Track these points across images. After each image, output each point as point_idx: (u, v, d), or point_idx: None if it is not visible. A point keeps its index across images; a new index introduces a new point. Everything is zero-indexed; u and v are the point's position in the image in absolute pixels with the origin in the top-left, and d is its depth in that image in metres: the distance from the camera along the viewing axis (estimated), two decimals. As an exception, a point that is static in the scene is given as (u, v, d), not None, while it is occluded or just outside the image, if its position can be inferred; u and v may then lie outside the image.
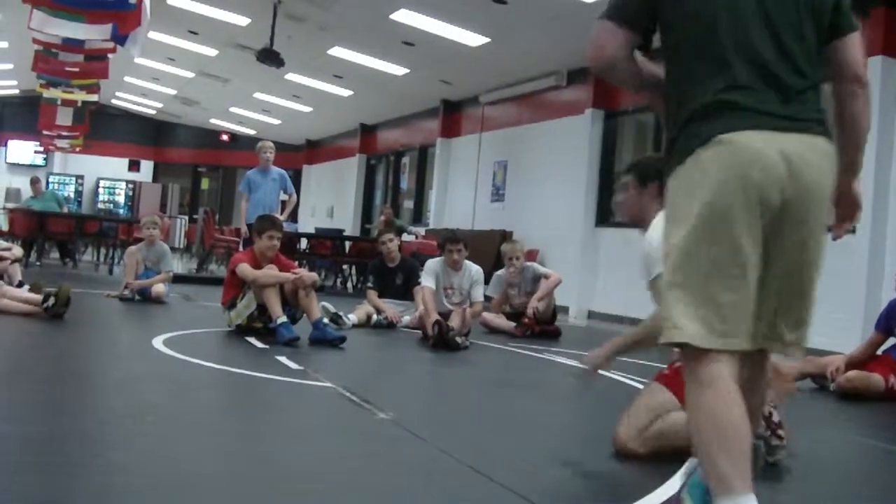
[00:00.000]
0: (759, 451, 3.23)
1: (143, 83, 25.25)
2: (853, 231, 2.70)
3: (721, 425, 2.32)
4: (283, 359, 6.00)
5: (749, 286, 2.39)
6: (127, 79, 24.57)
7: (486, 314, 9.28)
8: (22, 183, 24.83)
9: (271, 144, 11.88)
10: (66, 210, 17.34)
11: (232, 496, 2.89)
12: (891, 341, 6.63)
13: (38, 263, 14.19)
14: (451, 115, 19.66)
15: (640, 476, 3.31)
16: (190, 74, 22.55)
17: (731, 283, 2.36)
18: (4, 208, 20.01)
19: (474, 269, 8.63)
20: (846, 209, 2.81)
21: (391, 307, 9.03)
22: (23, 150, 28.99)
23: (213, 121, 29.04)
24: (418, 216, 21.35)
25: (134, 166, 31.10)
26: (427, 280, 8.40)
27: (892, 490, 3.90)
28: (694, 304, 2.37)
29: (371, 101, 21.25)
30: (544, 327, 9.30)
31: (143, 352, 6.05)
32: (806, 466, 4.15)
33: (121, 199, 30.38)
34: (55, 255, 16.38)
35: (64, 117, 21.00)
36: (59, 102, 20.06)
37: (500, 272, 9.73)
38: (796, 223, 2.43)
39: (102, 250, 16.65)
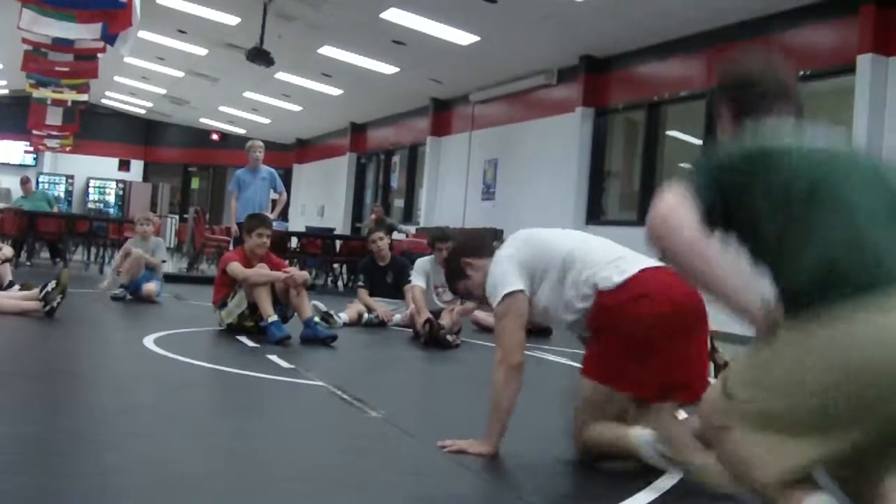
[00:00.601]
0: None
1: (133, 82, 25.19)
2: None
3: None
4: (274, 357, 6.00)
5: None
6: (116, 78, 24.50)
7: (477, 312, 9.28)
8: (12, 183, 24.73)
9: (261, 143, 11.87)
10: (56, 210, 17.28)
11: (223, 494, 2.89)
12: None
13: (28, 263, 14.14)
14: (442, 114, 19.66)
15: (633, 473, 3.31)
16: (180, 74, 22.51)
17: None
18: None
19: (465, 268, 8.61)
20: None
21: (382, 305, 9.03)
22: (12, 150, 28.91)
23: (202, 120, 28.99)
24: (409, 215, 21.34)
25: (124, 166, 31.02)
26: (417, 279, 8.40)
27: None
28: None
29: (361, 99, 21.23)
30: (535, 325, 9.29)
31: (135, 351, 6.05)
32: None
33: (111, 198, 30.30)
34: (45, 255, 16.32)
35: (54, 117, 20.95)
36: (48, 102, 20.01)
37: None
38: None
39: (93, 250, 16.60)
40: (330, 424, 4.24)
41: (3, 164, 28.75)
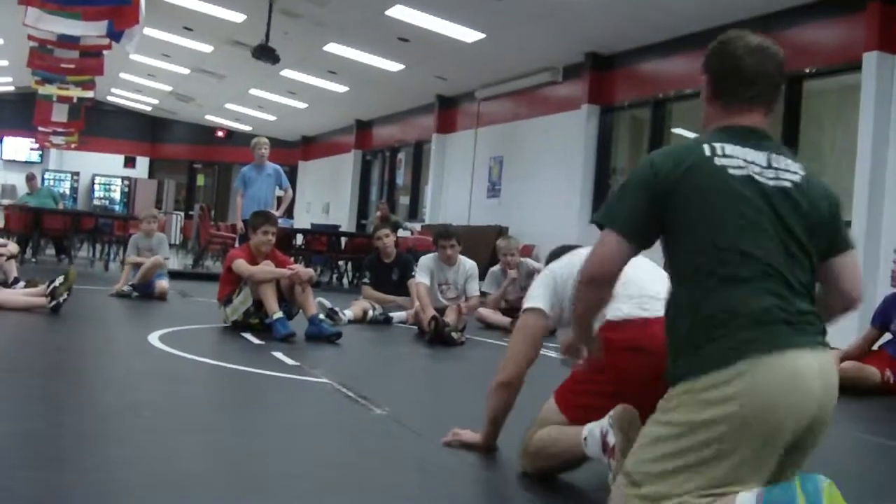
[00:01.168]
0: None
1: (139, 79, 25.20)
2: None
3: None
4: (279, 355, 6.00)
5: None
6: (122, 75, 24.51)
7: (482, 309, 9.28)
8: (17, 179, 24.77)
9: (266, 140, 11.88)
10: (61, 206, 17.31)
11: (228, 491, 2.90)
12: (886, 336, 6.65)
13: (33, 260, 14.16)
14: (447, 111, 19.65)
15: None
16: (185, 71, 22.51)
17: None
18: (0, 205, 19.96)
19: (469, 264, 8.62)
20: None
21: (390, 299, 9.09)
22: (18, 147, 28.94)
23: (208, 117, 29.00)
24: (414, 212, 21.34)
25: (129, 163, 31.04)
26: (422, 276, 8.40)
27: (889, 485, 3.91)
28: None
29: (366, 97, 21.22)
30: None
31: (140, 348, 6.05)
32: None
33: (116, 195, 30.32)
34: (51, 251, 16.34)
35: (59, 114, 20.96)
36: (54, 99, 20.01)
37: (494, 268, 9.73)
38: None
39: (98, 247, 16.62)
40: (334, 422, 4.24)
41: (9, 160, 28.79)
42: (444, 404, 5.15)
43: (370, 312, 8.86)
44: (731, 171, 2.50)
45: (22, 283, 8.15)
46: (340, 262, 15.92)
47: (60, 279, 7.36)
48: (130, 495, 2.77)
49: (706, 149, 2.56)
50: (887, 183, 9.61)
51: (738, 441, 2.34)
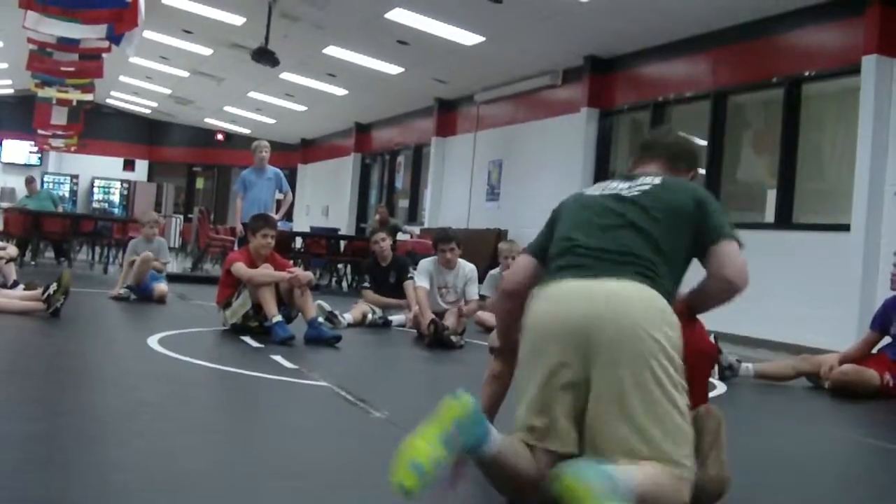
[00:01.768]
0: None
1: (138, 82, 25.20)
2: None
3: None
4: (278, 358, 6.00)
5: None
6: (121, 78, 24.52)
7: (481, 313, 9.28)
8: (17, 182, 24.77)
9: (266, 144, 11.88)
10: (61, 209, 17.30)
11: (227, 494, 2.89)
12: (886, 340, 6.64)
13: (33, 263, 14.16)
14: (446, 114, 19.65)
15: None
16: (184, 73, 22.51)
17: None
18: (-1, 208, 19.97)
19: (468, 268, 8.63)
20: None
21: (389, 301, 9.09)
22: (18, 150, 28.95)
23: (207, 120, 29.01)
24: (413, 215, 21.34)
25: (129, 165, 31.06)
26: (421, 279, 8.40)
27: (889, 488, 3.90)
28: None
29: (366, 100, 21.23)
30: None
31: (139, 351, 6.05)
32: (802, 464, 4.16)
33: (116, 198, 30.34)
34: (50, 254, 16.34)
35: (59, 117, 20.97)
36: (53, 102, 20.01)
37: (493, 271, 9.73)
38: None
39: (97, 250, 16.62)
40: (333, 425, 4.24)
41: (8, 163, 28.80)
42: (443, 407, 5.14)
43: (369, 316, 8.86)
44: (587, 192, 3.37)
45: (21, 286, 8.14)
46: (339, 266, 15.93)
47: (54, 286, 7.32)
48: (130, 497, 2.77)
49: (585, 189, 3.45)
50: (886, 186, 9.61)
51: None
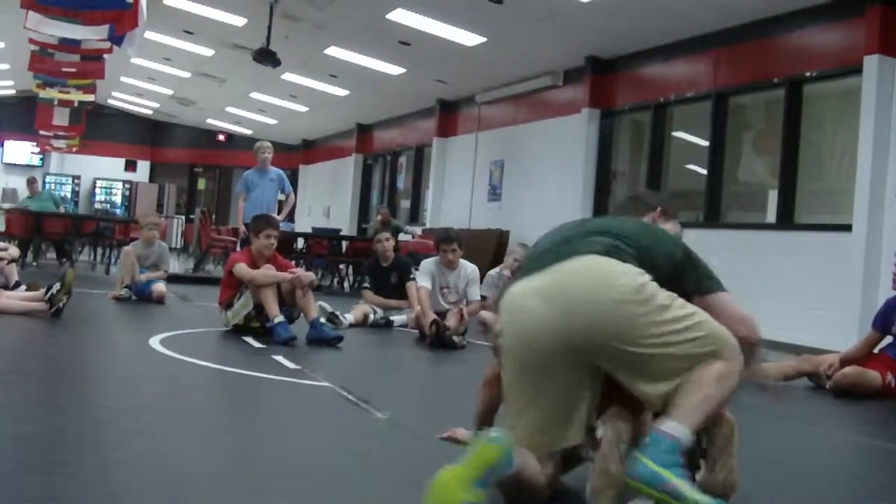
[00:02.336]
0: None
1: (140, 83, 25.23)
2: None
3: None
4: (279, 358, 5.99)
5: None
6: (123, 79, 24.54)
7: (483, 313, 9.26)
8: (18, 183, 24.79)
9: (269, 144, 11.88)
10: (62, 210, 17.30)
11: (227, 494, 2.89)
12: (887, 340, 6.64)
13: (34, 264, 14.15)
14: (448, 115, 19.65)
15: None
16: (186, 74, 22.53)
17: None
18: (1, 208, 19.96)
19: (470, 268, 8.62)
20: None
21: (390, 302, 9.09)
22: (19, 151, 28.96)
23: (209, 121, 29.02)
24: (415, 216, 21.34)
25: (130, 166, 31.08)
26: (423, 279, 8.39)
27: (890, 488, 3.90)
28: None
29: (367, 100, 21.23)
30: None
31: (140, 351, 6.05)
32: (803, 464, 4.16)
33: (117, 199, 30.36)
34: (52, 255, 16.34)
35: (60, 117, 21.01)
36: (55, 102, 20.06)
37: (492, 271, 9.72)
38: None
39: (99, 250, 16.62)
40: (335, 425, 4.24)
41: (10, 164, 28.82)
42: (445, 408, 5.14)
43: (371, 316, 8.86)
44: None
45: (23, 287, 8.15)
46: (341, 266, 15.93)
47: (57, 285, 7.34)
48: (131, 498, 2.77)
49: None
50: (888, 186, 9.61)
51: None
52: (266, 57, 15.26)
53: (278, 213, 11.55)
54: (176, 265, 16.54)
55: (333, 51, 17.10)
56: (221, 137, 30.34)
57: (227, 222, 24.65)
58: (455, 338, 7.59)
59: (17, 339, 6.47)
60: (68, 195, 28.75)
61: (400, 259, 9.53)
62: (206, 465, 3.26)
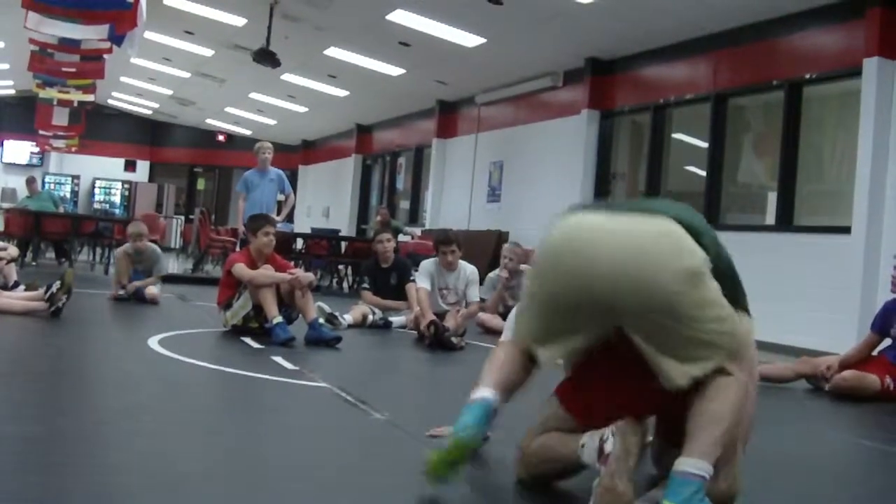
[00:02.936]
0: None
1: (140, 83, 25.22)
2: None
3: None
4: (278, 359, 5.99)
5: None
6: (123, 79, 24.53)
7: (481, 314, 9.28)
8: (18, 183, 24.78)
9: (269, 145, 11.89)
10: (61, 210, 17.29)
11: (226, 495, 2.89)
12: (886, 342, 6.64)
13: (33, 263, 14.15)
14: (448, 116, 19.67)
15: (637, 477, 3.30)
16: (186, 74, 22.53)
17: None
18: (0, 208, 19.96)
19: (469, 270, 8.62)
20: None
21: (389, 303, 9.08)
22: (19, 150, 28.96)
23: (208, 121, 29.02)
24: (414, 217, 21.35)
25: (130, 166, 31.07)
26: (422, 280, 8.39)
27: (888, 490, 3.90)
28: None
29: (367, 101, 21.24)
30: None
31: (139, 352, 6.05)
32: (801, 466, 4.16)
33: (117, 199, 30.34)
34: (51, 255, 16.34)
35: (60, 117, 20.99)
36: (55, 102, 20.03)
37: (492, 273, 9.73)
38: None
39: (98, 250, 16.61)
40: (334, 426, 4.24)
41: (9, 164, 28.81)
42: (443, 409, 5.13)
43: (370, 317, 8.86)
44: None
45: (22, 287, 8.14)
46: (340, 267, 15.92)
47: (57, 284, 7.34)
48: (130, 498, 2.77)
49: None
50: (887, 188, 9.62)
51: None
52: (266, 57, 15.27)
53: (277, 214, 11.57)
54: (175, 265, 16.55)
55: (333, 51, 17.10)
56: (221, 138, 30.34)
57: (227, 222, 24.67)
58: (454, 339, 7.58)
59: (17, 339, 6.47)
60: (68, 195, 28.73)
61: (399, 260, 9.53)
62: (205, 465, 3.27)
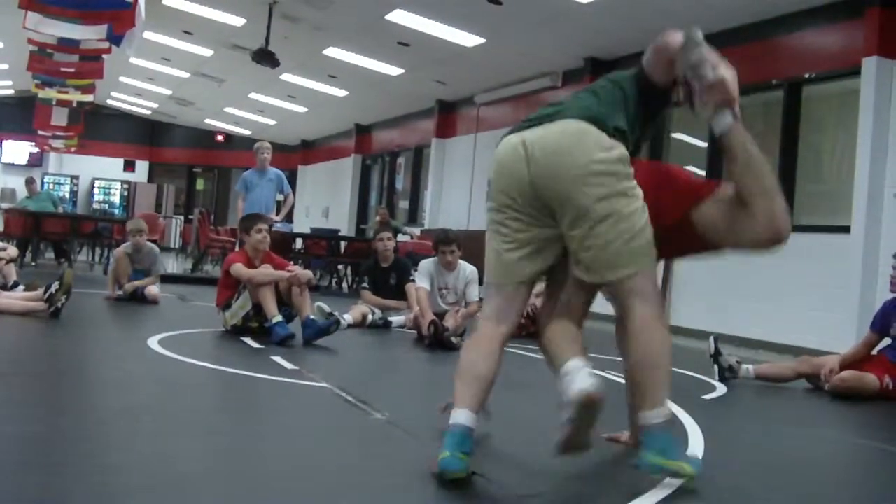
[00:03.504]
0: None
1: (139, 83, 25.23)
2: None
3: None
4: (278, 359, 6.00)
5: None
6: (122, 79, 24.54)
7: (480, 314, 9.26)
8: (17, 183, 24.79)
9: (269, 145, 11.90)
10: (61, 210, 17.30)
11: (227, 495, 2.90)
12: (886, 342, 6.64)
13: (33, 264, 14.15)
14: (447, 116, 19.66)
15: (637, 477, 3.30)
16: (185, 75, 22.54)
17: None
18: (-1, 208, 19.97)
19: (469, 269, 8.62)
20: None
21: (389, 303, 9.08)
22: (18, 151, 28.95)
23: (208, 121, 29.02)
24: (413, 217, 21.35)
25: (129, 166, 31.07)
26: (422, 280, 8.40)
27: (887, 490, 3.90)
28: None
29: (366, 101, 21.25)
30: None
31: (139, 352, 6.05)
32: (801, 466, 4.16)
33: (116, 199, 30.33)
34: (50, 255, 16.34)
35: (59, 117, 20.99)
36: (54, 102, 20.03)
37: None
38: None
39: (98, 250, 16.62)
40: (333, 426, 4.24)
41: (8, 164, 28.80)
42: (443, 409, 5.14)
43: (369, 317, 8.85)
44: None
45: (21, 287, 8.14)
46: (340, 267, 15.93)
47: (56, 284, 7.34)
48: (130, 498, 2.77)
49: None
50: (886, 188, 9.62)
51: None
52: (265, 57, 15.27)
53: (276, 214, 11.57)
54: (174, 266, 16.55)
55: (332, 51, 17.11)
56: (220, 138, 30.34)
57: (226, 222, 24.66)
58: (453, 339, 7.59)
59: (17, 339, 6.47)
60: (67, 195, 28.73)
61: (399, 260, 9.53)
62: (204, 465, 3.27)
